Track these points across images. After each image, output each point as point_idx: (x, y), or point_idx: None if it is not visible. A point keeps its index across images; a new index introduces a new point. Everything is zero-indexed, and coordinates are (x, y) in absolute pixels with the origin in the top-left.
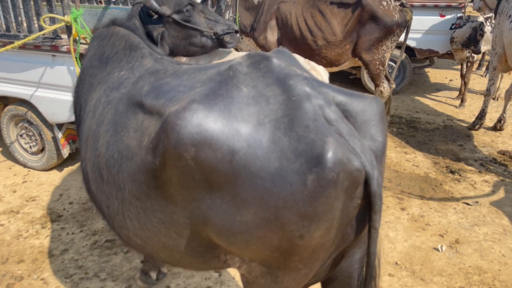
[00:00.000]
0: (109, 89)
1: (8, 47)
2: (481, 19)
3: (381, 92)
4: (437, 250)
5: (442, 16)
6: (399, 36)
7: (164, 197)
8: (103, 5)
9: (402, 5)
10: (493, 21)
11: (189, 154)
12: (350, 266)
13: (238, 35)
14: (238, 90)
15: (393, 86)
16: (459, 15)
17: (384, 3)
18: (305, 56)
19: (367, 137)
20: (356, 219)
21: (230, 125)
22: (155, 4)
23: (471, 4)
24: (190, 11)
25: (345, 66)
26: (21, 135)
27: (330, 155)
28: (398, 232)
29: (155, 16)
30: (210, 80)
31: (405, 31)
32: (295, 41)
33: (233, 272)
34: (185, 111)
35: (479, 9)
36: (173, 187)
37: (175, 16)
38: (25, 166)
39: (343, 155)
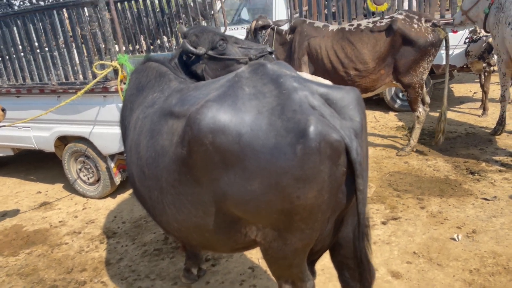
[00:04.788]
0: (145, 108)
1: (75, 96)
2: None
3: (418, 117)
4: (454, 239)
5: (454, 32)
6: (434, 56)
7: (192, 181)
8: (144, 54)
9: (433, 25)
10: (478, 33)
11: (208, 140)
12: (350, 232)
13: (273, 55)
14: (242, 90)
15: (427, 109)
16: (471, 29)
17: (415, 26)
18: (340, 84)
19: (347, 118)
20: (345, 185)
21: (237, 115)
22: (190, 48)
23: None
24: (223, 45)
25: (381, 90)
26: (80, 169)
27: (312, 128)
28: (417, 227)
29: (194, 57)
30: (221, 86)
31: (445, 51)
32: (328, 73)
33: (265, 267)
34: (202, 108)
35: (461, 23)
36: (198, 171)
37: (211, 52)
38: (84, 196)
39: (323, 128)
